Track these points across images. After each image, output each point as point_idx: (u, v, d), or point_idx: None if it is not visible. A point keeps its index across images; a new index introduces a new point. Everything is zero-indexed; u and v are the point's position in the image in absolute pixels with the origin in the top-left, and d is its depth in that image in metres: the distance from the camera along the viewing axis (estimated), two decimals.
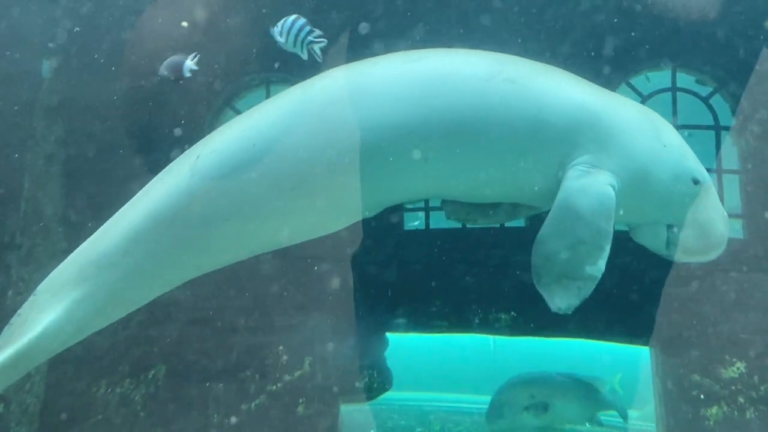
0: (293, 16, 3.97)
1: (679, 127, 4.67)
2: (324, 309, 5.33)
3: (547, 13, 5.29)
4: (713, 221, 3.47)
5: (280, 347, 5.25)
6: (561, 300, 3.23)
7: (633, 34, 5.33)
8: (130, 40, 5.35)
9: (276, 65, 5.46)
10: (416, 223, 6.18)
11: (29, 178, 5.23)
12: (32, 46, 5.37)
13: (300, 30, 3.94)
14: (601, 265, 3.19)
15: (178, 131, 5.34)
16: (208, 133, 5.48)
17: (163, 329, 5.20)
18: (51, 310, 3.36)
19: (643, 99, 5.38)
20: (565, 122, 3.18)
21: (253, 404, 5.18)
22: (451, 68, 3.21)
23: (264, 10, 5.32)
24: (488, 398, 6.93)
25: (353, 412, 5.93)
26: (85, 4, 5.44)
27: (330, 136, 3.14)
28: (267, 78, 5.65)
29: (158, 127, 5.38)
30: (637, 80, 5.53)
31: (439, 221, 5.89)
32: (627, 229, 3.62)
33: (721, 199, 3.90)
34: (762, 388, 4.94)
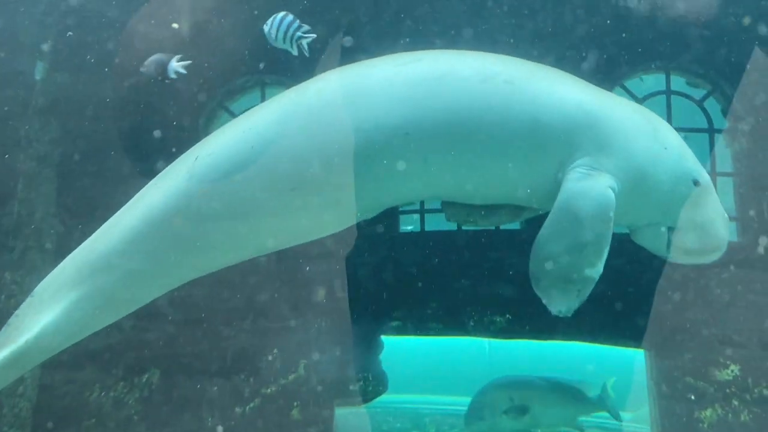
0: (281, 13, 3.97)
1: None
2: (318, 312, 5.32)
3: (539, 16, 5.30)
4: (714, 222, 3.46)
5: (275, 350, 5.23)
6: (560, 303, 3.24)
7: (626, 36, 5.35)
8: (122, 42, 5.33)
9: (270, 67, 5.46)
10: (410, 228, 6.17)
11: (22, 179, 5.21)
12: (25, 47, 5.35)
13: (289, 26, 3.95)
14: (600, 267, 3.19)
15: (171, 133, 5.33)
16: (203, 135, 5.51)
17: (156, 332, 5.18)
18: (49, 310, 3.36)
19: (638, 102, 5.40)
20: (563, 123, 3.17)
21: (247, 407, 5.16)
22: (449, 69, 3.20)
23: (256, 12, 5.31)
24: None
25: (348, 415, 5.91)
26: (78, 4, 5.42)
27: (327, 138, 3.13)
28: (261, 80, 5.64)
29: (152, 129, 5.36)
30: (630, 82, 5.55)
31: (434, 224, 5.90)
32: (627, 230, 3.62)
33: None
34: (756, 390, 4.95)
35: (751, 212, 5.18)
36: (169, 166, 3.48)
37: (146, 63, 4.33)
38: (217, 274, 3.69)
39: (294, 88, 3.44)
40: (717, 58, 5.34)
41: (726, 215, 3.53)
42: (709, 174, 5.22)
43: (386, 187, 3.27)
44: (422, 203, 5.89)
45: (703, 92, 5.55)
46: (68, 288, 3.38)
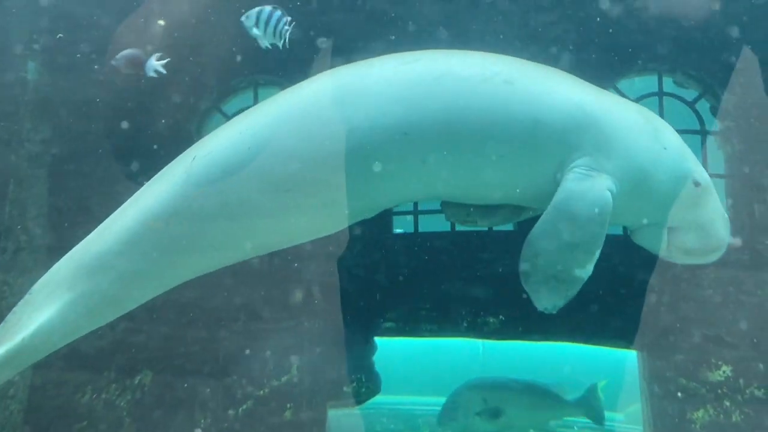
0: (267, 8, 3.96)
1: None
2: (311, 313, 5.31)
3: (532, 18, 5.31)
4: (714, 223, 3.47)
5: (268, 352, 5.22)
6: (546, 300, 3.25)
7: (618, 38, 5.37)
8: (115, 42, 5.31)
9: (263, 67, 5.45)
10: (400, 230, 6.17)
11: (14, 180, 5.18)
12: (17, 48, 5.33)
13: (278, 21, 3.94)
14: (590, 268, 3.20)
15: (164, 134, 5.31)
16: (195, 136, 5.50)
17: (148, 334, 5.16)
18: (45, 309, 3.36)
19: None
20: (563, 124, 3.16)
21: (240, 409, 5.14)
22: (448, 69, 3.19)
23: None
24: None
25: (341, 416, 5.90)
26: (70, 5, 5.39)
27: (325, 139, 3.13)
28: (254, 80, 5.63)
29: (145, 130, 5.35)
30: (621, 84, 5.56)
31: (428, 225, 5.90)
32: (621, 231, 3.62)
33: None
34: (747, 391, 4.97)
35: (743, 214, 5.20)
36: (166, 167, 3.48)
37: (118, 57, 4.32)
38: (210, 275, 3.68)
39: (291, 88, 3.43)
40: (709, 59, 5.37)
41: (726, 216, 3.54)
42: None
43: (385, 187, 3.27)
44: (416, 204, 5.89)
45: (695, 94, 5.57)
46: (64, 287, 3.38)
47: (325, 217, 3.37)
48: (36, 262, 5.04)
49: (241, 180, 3.19)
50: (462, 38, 5.26)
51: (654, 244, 3.53)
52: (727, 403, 4.98)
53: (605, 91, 3.51)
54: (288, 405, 5.19)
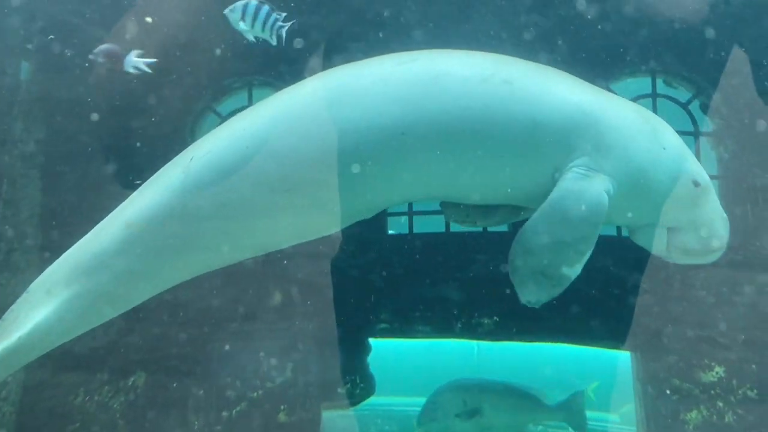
0: (253, 1, 3.95)
1: None
2: (305, 314, 5.30)
3: (525, 19, 5.32)
4: (713, 223, 3.47)
5: (261, 353, 5.21)
6: (531, 294, 3.25)
7: (612, 39, 5.38)
8: (108, 43, 5.29)
9: (257, 68, 5.45)
10: (392, 232, 6.17)
11: (7, 180, 5.16)
12: (10, 47, 5.31)
13: (267, 16, 3.93)
14: (578, 268, 3.20)
15: (158, 134, 5.30)
16: (189, 136, 5.49)
17: (142, 336, 5.14)
18: (42, 308, 3.37)
19: None
20: (561, 124, 3.16)
21: (234, 411, 5.13)
22: (446, 69, 3.18)
23: None
24: None
25: (336, 418, 5.89)
26: (63, 5, 5.38)
27: (322, 139, 3.12)
28: (248, 81, 5.62)
29: (138, 130, 5.34)
30: (616, 86, 5.58)
31: (422, 226, 5.90)
32: (627, 231, 3.61)
33: None
34: (740, 391, 4.99)
35: (736, 215, 5.22)
36: (163, 168, 3.48)
37: (95, 51, 4.29)
38: (203, 276, 3.68)
39: (289, 87, 3.42)
40: (702, 61, 5.39)
41: (725, 216, 3.53)
42: None
43: (382, 187, 3.26)
44: (410, 205, 5.89)
45: (688, 95, 5.60)
46: (62, 286, 3.38)
47: (323, 218, 3.37)
48: (29, 262, 5.02)
49: (239, 180, 3.18)
50: (449, 39, 5.26)
51: (654, 244, 3.51)
52: (720, 404, 5.00)
53: (604, 91, 3.50)
54: (282, 406, 5.17)
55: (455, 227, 5.78)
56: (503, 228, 5.38)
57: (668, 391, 5.12)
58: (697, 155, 5.48)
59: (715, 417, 4.99)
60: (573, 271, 3.19)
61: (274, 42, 4.04)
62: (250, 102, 5.67)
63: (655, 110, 5.51)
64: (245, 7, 3.93)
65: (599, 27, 5.35)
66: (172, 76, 5.39)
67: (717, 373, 5.05)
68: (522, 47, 5.15)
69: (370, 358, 6.18)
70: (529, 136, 3.14)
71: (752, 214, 5.19)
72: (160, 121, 5.38)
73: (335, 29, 5.34)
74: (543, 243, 3.15)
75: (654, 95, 5.56)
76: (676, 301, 5.22)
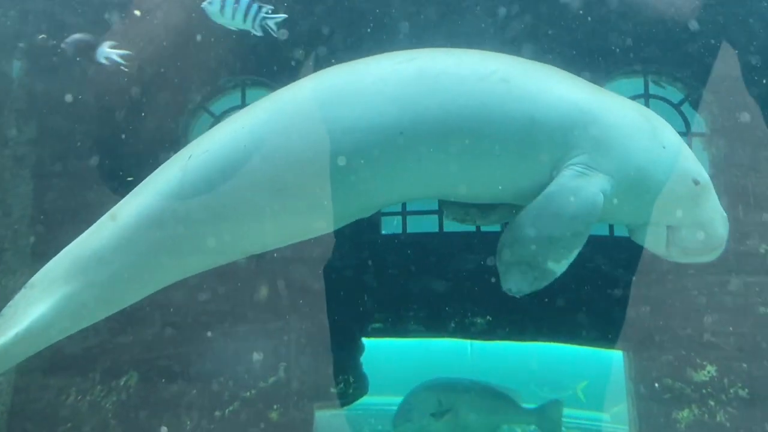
0: None
1: None
2: (299, 314, 5.29)
3: (517, 20, 5.32)
4: (713, 221, 3.47)
5: (254, 353, 5.20)
6: (513, 283, 3.24)
7: (604, 40, 5.40)
8: (102, 42, 5.27)
9: (250, 68, 5.44)
10: (385, 233, 6.17)
11: None
12: (2, 46, 5.28)
13: (248, 7, 3.92)
14: (564, 264, 3.20)
15: (151, 134, 5.28)
16: (183, 135, 5.48)
17: (134, 335, 5.13)
18: (41, 304, 3.37)
19: None
20: (559, 122, 3.15)
21: (226, 411, 5.12)
22: (444, 68, 3.17)
23: None
24: None
25: (329, 418, 5.89)
26: (56, 4, 5.36)
27: (321, 137, 3.12)
28: (242, 81, 5.61)
29: (131, 130, 5.32)
30: (609, 87, 5.59)
31: (416, 226, 5.90)
32: (627, 230, 3.60)
33: None
34: (732, 390, 5.01)
35: (728, 215, 5.24)
36: (162, 166, 3.48)
37: (67, 40, 4.26)
38: (196, 276, 3.67)
39: (287, 87, 3.42)
40: (694, 62, 5.41)
41: (725, 214, 3.53)
42: None
43: (381, 186, 3.26)
44: (404, 205, 5.89)
45: (680, 96, 5.62)
46: (61, 282, 3.39)
47: (321, 217, 3.36)
48: (21, 263, 5.00)
49: (237, 179, 3.19)
50: (442, 41, 5.26)
51: (653, 243, 3.51)
52: (712, 403, 5.02)
53: (604, 89, 3.49)
54: (275, 406, 5.17)
55: (448, 227, 5.81)
56: (496, 228, 5.39)
57: (660, 391, 5.14)
58: None
59: (706, 416, 5.02)
60: (559, 266, 3.19)
61: (259, 33, 4.03)
62: (243, 101, 5.66)
63: None
64: (232, 2, 3.92)
65: (591, 27, 5.36)
66: (165, 76, 5.37)
67: (709, 372, 5.08)
68: (511, 47, 5.16)
69: (363, 358, 6.18)
70: (527, 135, 3.13)
71: (743, 214, 5.21)
72: (153, 121, 5.37)
73: (329, 29, 5.33)
74: (532, 235, 3.15)
75: (647, 95, 5.57)
76: (668, 301, 5.24)
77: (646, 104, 5.55)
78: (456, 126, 3.09)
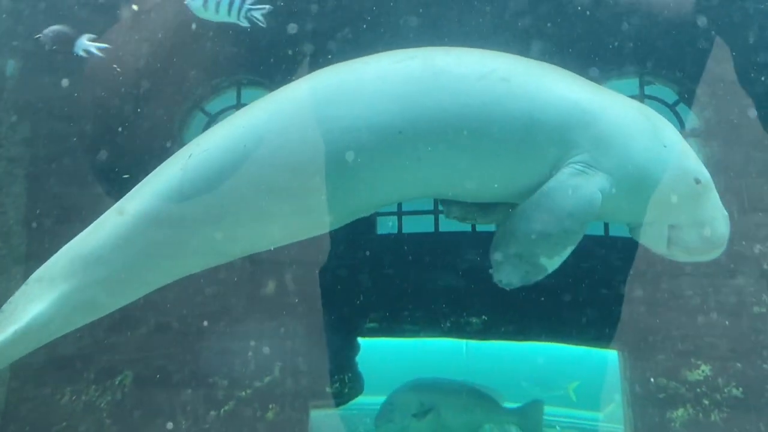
0: None
1: None
2: (294, 314, 5.29)
3: (512, 22, 5.33)
4: (715, 220, 3.47)
5: (250, 353, 5.20)
6: (505, 275, 3.23)
7: (599, 41, 5.41)
8: (98, 42, 5.25)
9: (245, 67, 5.43)
10: (381, 232, 6.17)
11: None
12: None
13: (231, 0, 3.92)
14: (557, 262, 3.19)
15: (146, 133, 5.27)
16: (178, 135, 5.47)
17: (129, 335, 5.12)
18: (40, 301, 3.37)
19: None
20: (560, 121, 3.15)
21: (222, 410, 5.11)
22: (444, 67, 3.17)
23: None
24: None
25: (324, 417, 5.88)
26: (51, 3, 5.34)
27: (321, 137, 3.12)
28: (237, 80, 5.60)
29: (126, 129, 5.30)
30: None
31: (411, 226, 5.91)
32: (628, 229, 3.60)
33: None
34: (726, 390, 5.03)
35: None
36: (162, 164, 3.47)
37: (45, 31, 4.24)
38: (192, 276, 3.66)
39: (287, 85, 3.41)
40: (690, 63, 5.42)
41: (726, 213, 3.53)
42: None
43: (380, 185, 3.25)
44: (399, 205, 5.90)
45: (675, 97, 5.63)
46: (60, 280, 3.38)
47: (321, 216, 3.36)
48: (15, 262, 4.97)
49: (237, 178, 3.18)
50: (436, 42, 5.26)
51: (655, 242, 3.51)
52: (706, 402, 5.04)
53: (605, 88, 3.49)
54: (270, 406, 5.17)
55: (444, 227, 5.82)
56: (491, 227, 5.40)
57: (655, 390, 5.15)
58: None
59: (701, 415, 5.03)
60: (551, 262, 3.18)
61: (245, 24, 4.02)
62: (239, 101, 5.66)
63: None
64: None
65: (586, 28, 5.37)
66: (160, 75, 5.36)
67: (703, 372, 5.10)
68: (509, 50, 5.16)
69: (359, 357, 6.18)
70: (527, 134, 3.13)
71: (738, 215, 5.23)
72: (148, 121, 5.35)
73: (324, 28, 5.33)
74: (527, 229, 3.15)
75: (642, 96, 5.59)
76: (663, 301, 5.26)
77: None
78: (456, 125, 3.09)
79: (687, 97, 5.56)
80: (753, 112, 5.26)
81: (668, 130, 3.44)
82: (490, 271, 3.29)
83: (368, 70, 3.25)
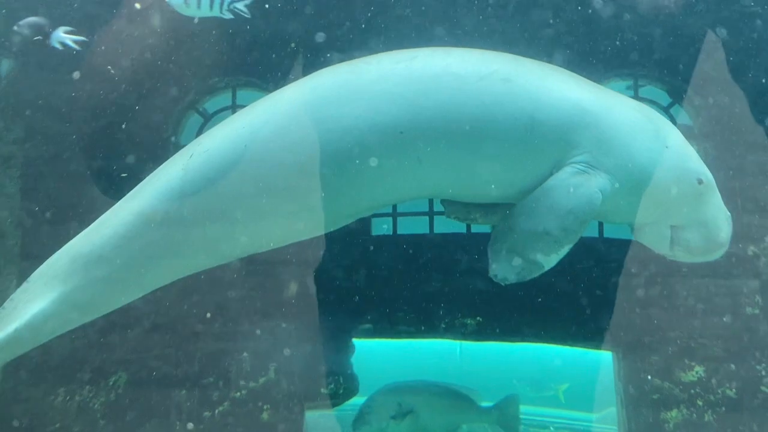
0: None
1: None
2: (289, 315, 5.29)
3: (506, 22, 5.34)
4: (717, 220, 3.46)
5: (244, 353, 5.19)
6: (500, 270, 3.21)
7: (594, 43, 5.43)
8: (92, 41, 5.24)
9: (241, 68, 5.43)
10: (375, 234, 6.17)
11: None
12: None
13: None
14: (554, 260, 3.18)
15: (141, 134, 5.26)
16: (173, 135, 5.46)
17: (124, 335, 5.10)
18: (40, 299, 3.36)
19: None
20: (561, 122, 3.14)
21: (216, 411, 5.10)
22: (444, 67, 3.16)
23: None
24: None
25: (319, 418, 5.88)
26: (46, 3, 5.32)
27: (322, 137, 3.11)
28: (232, 81, 5.60)
29: (120, 130, 5.29)
30: None
31: (406, 227, 5.91)
32: (631, 229, 3.60)
33: None
34: (719, 391, 5.05)
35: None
36: (164, 163, 3.46)
37: (21, 23, 4.22)
38: (187, 276, 3.66)
39: (289, 85, 3.41)
40: (683, 66, 5.44)
41: (728, 213, 3.52)
42: None
43: (381, 186, 3.24)
44: (394, 206, 5.90)
45: (669, 99, 5.66)
46: (61, 278, 3.38)
47: (323, 216, 3.34)
48: (9, 262, 4.96)
49: (238, 177, 3.18)
50: (435, 40, 5.28)
51: (658, 242, 3.50)
52: (700, 403, 5.06)
53: (606, 89, 3.48)
54: (265, 407, 5.16)
55: (439, 228, 5.82)
56: (486, 228, 5.40)
57: (649, 391, 5.17)
58: None
59: (694, 416, 5.05)
60: (548, 260, 3.17)
61: (228, 17, 4.01)
62: (234, 102, 5.65)
63: None
64: None
65: (581, 30, 5.39)
66: (155, 76, 5.35)
67: (697, 373, 5.11)
68: (505, 51, 5.17)
69: (354, 359, 6.18)
70: (528, 134, 3.12)
71: (732, 217, 5.25)
72: (143, 121, 5.34)
73: (321, 29, 5.33)
74: (526, 225, 3.14)
75: (636, 98, 5.60)
76: (657, 302, 5.27)
77: None
78: (456, 126, 3.09)
79: (680, 99, 5.59)
80: (747, 114, 5.29)
81: (670, 131, 3.43)
82: (489, 283, 3.29)
83: (369, 71, 3.24)
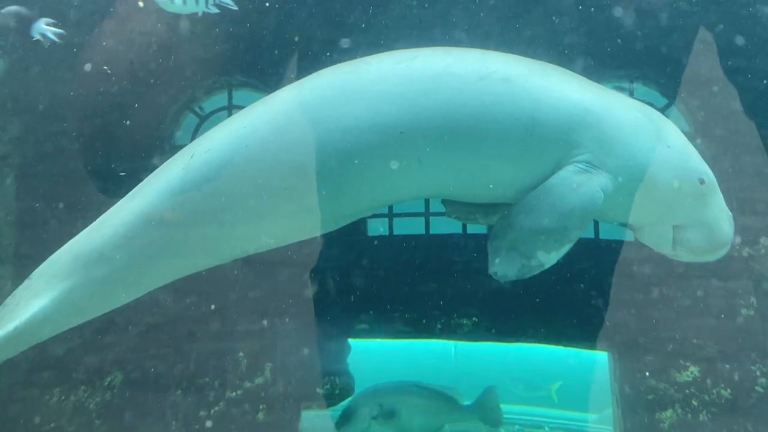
0: None
1: None
2: (285, 315, 5.28)
3: (504, 25, 5.35)
4: (719, 220, 3.46)
5: (240, 354, 5.18)
6: (500, 267, 3.21)
7: (591, 45, 5.44)
8: (89, 41, 5.24)
9: (237, 68, 5.42)
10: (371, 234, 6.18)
11: None
12: None
13: None
14: (554, 258, 3.18)
15: (137, 134, 5.25)
16: (169, 136, 5.45)
17: (119, 335, 5.09)
18: (41, 297, 3.36)
19: None
20: (561, 122, 3.14)
21: (212, 411, 5.10)
22: (445, 67, 3.16)
23: (225, 15, 5.27)
24: None
25: (314, 418, 5.88)
26: (43, 2, 5.30)
27: (322, 137, 3.11)
28: (228, 81, 5.59)
29: (117, 129, 5.28)
30: None
31: (403, 227, 5.92)
32: (632, 230, 3.60)
33: None
34: (714, 391, 5.07)
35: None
36: (166, 162, 3.46)
37: (3, 11, 4.20)
38: (183, 276, 3.65)
39: (289, 85, 3.40)
40: (679, 68, 5.46)
41: (730, 213, 3.51)
42: None
43: (381, 186, 3.24)
44: (390, 207, 5.90)
45: (665, 101, 5.68)
46: (62, 277, 3.37)
47: (324, 216, 3.34)
48: (4, 261, 4.94)
49: (238, 177, 3.18)
50: (435, 43, 5.28)
51: (659, 242, 3.50)
52: (695, 403, 5.08)
53: (608, 89, 3.48)
54: (261, 407, 5.15)
55: (435, 229, 5.83)
56: (483, 229, 5.42)
57: (644, 391, 5.19)
58: None
59: (689, 416, 5.07)
60: (548, 258, 3.17)
61: (214, 10, 4.01)
62: (230, 102, 5.65)
63: None
64: None
65: (578, 31, 5.40)
66: (151, 76, 5.34)
67: (692, 373, 5.13)
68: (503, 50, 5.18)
69: (350, 359, 6.18)
70: (529, 134, 3.12)
71: None
72: (139, 121, 5.33)
73: (320, 29, 5.33)
74: (527, 223, 3.14)
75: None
76: (652, 303, 5.29)
77: None
78: (456, 126, 3.09)
79: (676, 101, 5.60)
80: (742, 116, 5.31)
81: (672, 132, 3.43)
82: (485, 283, 3.29)
83: (369, 71, 3.24)
